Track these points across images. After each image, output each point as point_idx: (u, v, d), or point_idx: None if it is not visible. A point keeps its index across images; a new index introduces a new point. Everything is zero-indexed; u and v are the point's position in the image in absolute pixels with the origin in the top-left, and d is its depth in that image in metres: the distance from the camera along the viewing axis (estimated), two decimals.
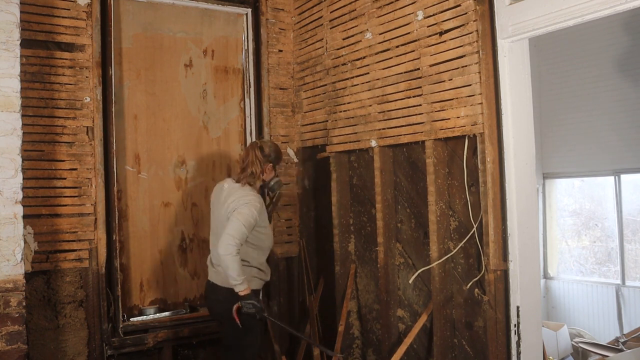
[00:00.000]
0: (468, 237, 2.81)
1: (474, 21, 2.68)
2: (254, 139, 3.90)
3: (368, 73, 3.34)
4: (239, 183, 2.95)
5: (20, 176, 2.52)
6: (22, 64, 2.59)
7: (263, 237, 2.97)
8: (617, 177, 7.03)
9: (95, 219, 3.21)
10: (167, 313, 3.54)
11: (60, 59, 3.15)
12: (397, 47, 3.14)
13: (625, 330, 6.24)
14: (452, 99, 2.81)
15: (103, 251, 3.22)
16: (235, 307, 2.79)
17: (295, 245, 4.00)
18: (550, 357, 5.36)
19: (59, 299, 3.10)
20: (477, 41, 2.67)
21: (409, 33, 3.06)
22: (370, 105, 3.33)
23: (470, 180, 2.82)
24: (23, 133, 2.56)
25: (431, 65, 2.92)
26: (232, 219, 2.78)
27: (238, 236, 2.75)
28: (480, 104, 2.66)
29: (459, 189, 2.89)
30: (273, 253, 3.86)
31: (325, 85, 3.71)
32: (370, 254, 3.47)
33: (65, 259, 3.12)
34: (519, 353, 2.59)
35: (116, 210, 3.36)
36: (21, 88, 2.56)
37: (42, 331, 3.04)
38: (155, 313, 3.50)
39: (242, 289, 2.76)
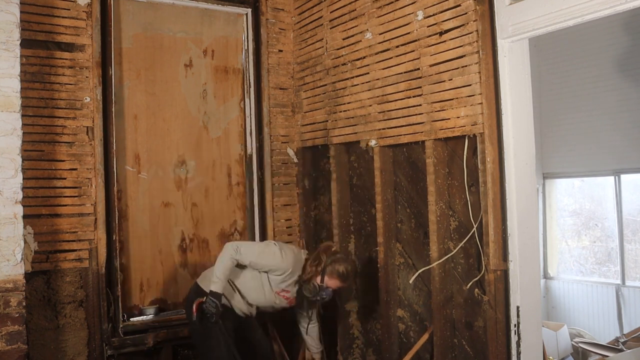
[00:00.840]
0: (468, 237, 2.81)
1: (474, 21, 2.68)
2: (254, 139, 3.90)
3: (368, 73, 3.34)
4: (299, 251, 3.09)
5: (20, 176, 2.53)
6: (22, 64, 2.60)
7: (249, 282, 3.01)
8: (617, 177, 7.03)
9: (95, 219, 3.21)
10: (167, 313, 3.54)
11: (60, 59, 3.15)
12: (397, 47, 3.14)
13: (625, 330, 6.24)
14: (452, 99, 2.81)
15: (103, 251, 3.22)
16: (199, 300, 2.85)
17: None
18: (550, 357, 5.36)
19: (59, 299, 3.10)
20: (477, 41, 2.67)
21: (409, 33, 3.06)
22: (370, 105, 3.33)
23: (470, 180, 2.82)
24: (23, 133, 2.56)
25: (431, 65, 2.92)
26: (256, 242, 3.07)
27: (242, 250, 2.90)
28: (480, 104, 2.66)
29: (459, 189, 2.89)
30: None
31: (325, 85, 3.71)
32: (370, 254, 3.47)
33: (65, 259, 3.12)
34: (519, 353, 2.59)
35: (116, 210, 3.36)
36: (21, 88, 2.56)
37: (42, 331, 3.04)
38: (155, 313, 3.50)
39: (215, 288, 2.82)
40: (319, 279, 2.95)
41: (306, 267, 2.98)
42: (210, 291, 2.83)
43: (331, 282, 2.96)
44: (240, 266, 2.98)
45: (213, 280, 2.85)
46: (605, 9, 2.19)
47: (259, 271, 2.98)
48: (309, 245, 3.97)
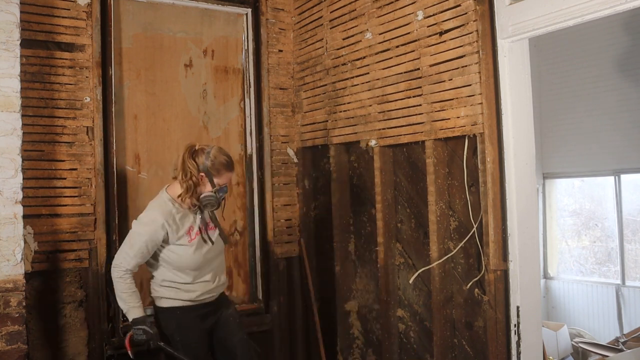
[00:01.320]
0: (468, 237, 2.81)
1: (474, 21, 2.68)
2: (254, 139, 3.90)
3: (368, 73, 3.34)
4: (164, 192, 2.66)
5: (20, 176, 2.53)
6: (22, 64, 2.60)
7: (175, 257, 2.61)
8: (617, 177, 7.03)
9: (95, 219, 3.21)
10: None
11: (60, 59, 3.15)
12: (397, 47, 3.14)
13: (625, 330, 6.24)
14: (452, 99, 2.81)
15: (103, 251, 3.22)
16: (128, 336, 2.60)
17: (295, 245, 4.00)
18: (550, 357, 5.36)
19: (59, 299, 3.10)
20: (477, 41, 2.67)
21: (409, 33, 3.06)
22: (370, 105, 3.33)
23: (470, 180, 2.82)
24: (23, 133, 2.56)
25: (431, 65, 2.92)
26: (130, 233, 2.59)
27: (122, 261, 2.55)
28: (480, 104, 2.67)
29: (459, 189, 2.89)
30: (273, 253, 3.87)
31: (325, 85, 3.71)
32: (370, 254, 3.47)
33: (65, 259, 3.12)
34: (519, 353, 2.59)
35: (116, 210, 3.36)
36: (21, 88, 2.56)
37: (42, 331, 3.04)
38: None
39: (131, 316, 2.55)
40: (208, 186, 2.60)
41: (186, 188, 2.57)
42: (132, 320, 2.56)
43: (223, 179, 2.62)
44: (165, 264, 2.64)
45: (125, 310, 2.57)
46: (605, 9, 2.19)
47: (177, 244, 2.60)
48: (309, 246, 3.98)
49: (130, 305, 2.56)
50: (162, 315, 2.69)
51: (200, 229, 2.66)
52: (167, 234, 2.57)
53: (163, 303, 2.68)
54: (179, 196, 2.61)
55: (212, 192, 2.60)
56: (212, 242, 2.70)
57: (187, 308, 2.67)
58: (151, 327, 2.57)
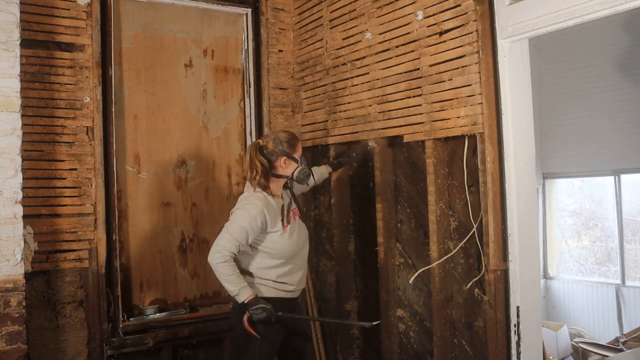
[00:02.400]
0: (468, 237, 2.81)
1: (474, 21, 2.68)
2: (254, 139, 3.90)
3: (368, 73, 3.34)
4: (252, 187, 2.70)
5: (20, 176, 2.53)
6: (22, 64, 2.60)
7: (273, 245, 2.66)
8: (617, 177, 7.03)
9: (95, 219, 3.21)
10: (167, 313, 3.54)
11: (60, 59, 3.15)
12: (397, 47, 3.14)
13: (625, 330, 6.25)
14: (452, 99, 2.81)
15: (103, 251, 3.22)
16: (245, 318, 2.57)
17: None
18: (550, 357, 5.36)
19: (59, 299, 3.10)
20: (477, 41, 2.67)
21: (409, 33, 3.06)
22: (370, 105, 3.33)
23: (470, 180, 2.82)
24: (23, 133, 2.56)
25: (431, 65, 2.92)
26: (228, 223, 2.61)
27: (225, 244, 2.55)
28: (480, 104, 2.67)
29: (459, 189, 2.89)
30: None
31: (325, 85, 3.71)
32: (370, 254, 3.47)
33: (65, 259, 3.12)
34: (519, 353, 2.60)
35: (116, 210, 3.36)
36: (21, 88, 2.56)
37: (42, 331, 3.04)
38: (155, 313, 3.50)
39: (243, 298, 2.55)
40: (293, 164, 2.71)
41: (268, 180, 2.67)
42: (243, 304, 2.56)
43: (299, 151, 2.74)
44: (261, 253, 2.68)
45: (235, 293, 2.56)
46: (605, 9, 2.19)
47: (274, 232, 2.65)
48: (310, 245, 3.96)
49: (239, 287, 2.55)
50: (238, 310, 2.65)
51: (293, 213, 2.77)
52: (266, 220, 2.61)
53: (245, 294, 2.61)
54: (266, 190, 2.67)
55: (300, 166, 2.73)
56: (303, 224, 2.83)
57: (277, 300, 2.67)
58: (265, 302, 2.57)
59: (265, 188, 2.66)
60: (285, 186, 2.83)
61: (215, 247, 2.56)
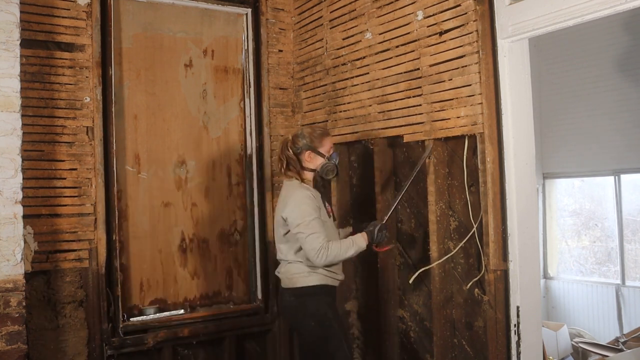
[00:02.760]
0: (468, 237, 2.81)
1: (474, 21, 2.68)
2: (254, 139, 3.90)
3: (368, 73, 3.34)
4: (290, 180, 2.80)
5: (20, 176, 2.52)
6: (22, 64, 2.59)
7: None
8: (617, 177, 7.03)
9: (95, 219, 3.21)
10: (167, 313, 3.54)
11: (60, 59, 3.15)
12: (397, 47, 3.14)
13: (625, 330, 6.24)
14: (452, 99, 2.81)
15: (103, 251, 3.22)
16: (373, 247, 2.75)
17: None
18: (550, 357, 5.36)
19: (59, 299, 3.10)
20: (477, 41, 2.67)
21: (409, 33, 3.06)
22: (370, 105, 3.33)
23: (470, 180, 2.82)
24: (23, 133, 2.56)
25: (431, 65, 2.92)
26: (294, 222, 2.64)
27: (314, 245, 2.58)
28: (480, 104, 2.67)
29: (459, 189, 2.89)
30: (273, 253, 3.86)
31: (325, 85, 3.71)
32: (371, 254, 3.47)
33: (65, 259, 3.12)
34: (519, 353, 2.60)
35: (116, 210, 3.36)
36: (21, 88, 2.56)
37: (42, 331, 3.04)
38: (155, 313, 3.50)
39: (363, 242, 2.68)
40: (319, 159, 2.80)
41: (303, 173, 2.79)
42: (369, 239, 2.70)
43: (327, 146, 2.81)
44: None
45: (355, 249, 2.65)
46: (605, 9, 2.19)
47: (323, 219, 2.72)
48: None
49: (352, 244, 2.66)
50: (309, 297, 2.71)
51: (327, 207, 2.85)
52: (321, 206, 2.72)
53: (311, 281, 2.70)
54: (303, 181, 2.78)
55: (325, 161, 2.78)
56: (334, 218, 2.95)
57: (332, 288, 2.78)
58: (373, 225, 2.72)
59: (302, 180, 2.78)
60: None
61: (311, 252, 2.60)
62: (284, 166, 2.80)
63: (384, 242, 2.76)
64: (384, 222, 2.77)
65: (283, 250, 2.79)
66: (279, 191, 3.88)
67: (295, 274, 2.74)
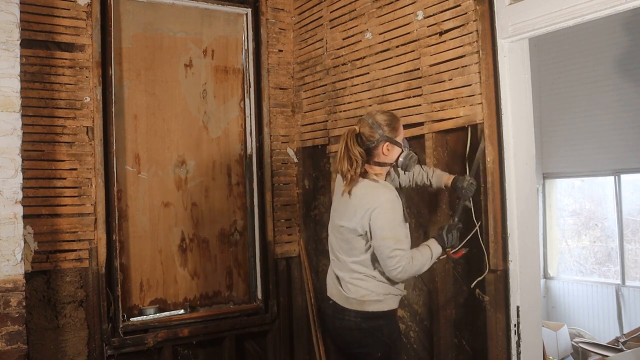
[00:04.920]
0: (469, 237, 2.80)
1: (474, 21, 2.68)
2: (254, 139, 3.90)
3: (368, 73, 3.34)
4: (363, 179, 2.34)
5: (20, 176, 2.52)
6: (22, 64, 2.59)
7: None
8: (617, 177, 7.03)
9: (95, 219, 3.21)
10: (167, 313, 3.54)
11: (60, 59, 3.15)
12: (397, 47, 3.14)
13: (625, 330, 6.24)
14: (452, 99, 2.81)
15: (103, 251, 3.22)
16: (449, 254, 2.43)
17: (295, 245, 4.00)
18: (550, 357, 5.36)
19: (59, 299, 3.10)
20: (477, 41, 2.67)
21: (409, 33, 3.06)
22: (370, 105, 3.33)
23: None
24: (23, 133, 2.56)
25: (431, 65, 2.92)
26: (380, 232, 2.24)
27: (397, 245, 2.22)
28: (480, 103, 2.66)
29: None
30: (273, 253, 3.87)
31: (325, 85, 3.71)
32: None
33: (65, 259, 3.12)
34: (519, 353, 2.59)
35: (116, 210, 3.36)
36: (21, 88, 2.56)
37: (42, 331, 3.04)
38: (155, 313, 3.50)
39: (438, 251, 2.35)
40: (396, 149, 2.35)
41: (373, 164, 2.35)
42: (444, 244, 2.37)
43: (401, 133, 2.38)
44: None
45: (433, 255, 2.33)
46: (605, 9, 2.19)
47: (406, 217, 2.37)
48: (309, 246, 3.97)
49: (430, 253, 2.32)
50: (383, 321, 2.36)
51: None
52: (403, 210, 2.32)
53: (385, 306, 2.35)
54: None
55: (405, 150, 2.37)
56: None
57: (396, 311, 2.44)
58: (441, 228, 2.40)
59: (372, 177, 2.34)
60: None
61: (395, 270, 2.24)
62: (353, 166, 2.29)
63: (457, 245, 2.40)
64: (453, 222, 2.46)
65: (349, 264, 2.36)
66: (279, 191, 3.95)
67: (365, 295, 2.34)
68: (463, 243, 2.44)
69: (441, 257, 2.44)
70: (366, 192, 2.30)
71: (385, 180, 2.41)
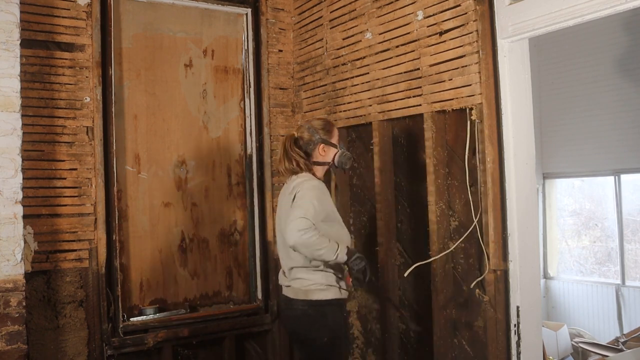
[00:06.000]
0: (466, 234, 2.80)
1: (474, 21, 2.68)
2: (254, 139, 3.90)
3: (368, 73, 3.34)
4: (298, 176, 2.55)
5: (20, 176, 2.53)
6: (22, 64, 2.60)
7: (336, 235, 2.49)
8: (617, 177, 7.03)
9: (95, 219, 3.21)
10: (167, 313, 3.54)
11: (60, 59, 3.15)
12: (397, 47, 3.14)
13: (625, 330, 6.24)
14: (452, 99, 2.81)
15: (103, 251, 3.22)
16: (347, 275, 2.54)
17: None
18: (550, 357, 5.36)
19: (59, 299, 3.10)
20: (477, 41, 2.67)
21: (409, 33, 3.06)
22: (370, 105, 3.33)
23: (470, 180, 2.82)
24: (23, 133, 2.56)
25: (431, 65, 2.92)
26: (294, 205, 2.40)
27: (305, 214, 2.34)
28: (480, 103, 2.67)
29: (459, 189, 2.89)
30: (273, 253, 3.87)
31: (325, 85, 3.71)
32: (370, 254, 3.47)
33: (65, 259, 3.12)
34: (519, 353, 2.60)
35: (116, 210, 3.36)
36: (21, 88, 2.56)
37: (42, 331, 3.04)
38: (155, 313, 3.50)
39: (343, 255, 2.39)
40: (332, 150, 2.60)
41: (312, 164, 2.57)
42: (348, 253, 2.41)
43: (336, 136, 2.63)
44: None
45: (334, 259, 2.39)
46: (605, 9, 2.19)
47: (323, 220, 2.47)
48: None
49: (334, 249, 2.37)
50: (328, 309, 2.50)
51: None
52: (329, 202, 2.52)
53: (329, 294, 2.49)
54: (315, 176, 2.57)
55: (340, 150, 2.62)
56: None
57: (344, 301, 2.61)
58: (360, 253, 2.49)
59: (314, 174, 2.57)
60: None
61: (292, 227, 2.34)
62: (292, 165, 2.54)
63: (354, 270, 2.44)
64: (362, 262, 2.47)
65: (293, 257, 2.51)
66: (279, 191, 3.93)
67: (310, 286, 2.49)
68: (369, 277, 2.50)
69: (340, 273, 2.55)
70: (297, 182, 2.51)
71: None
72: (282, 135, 3.98)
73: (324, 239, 2.36)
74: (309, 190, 2.43)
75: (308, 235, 2.32)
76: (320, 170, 2.63)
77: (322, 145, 2.58)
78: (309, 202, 2.39)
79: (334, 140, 2.62)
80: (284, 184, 2.67)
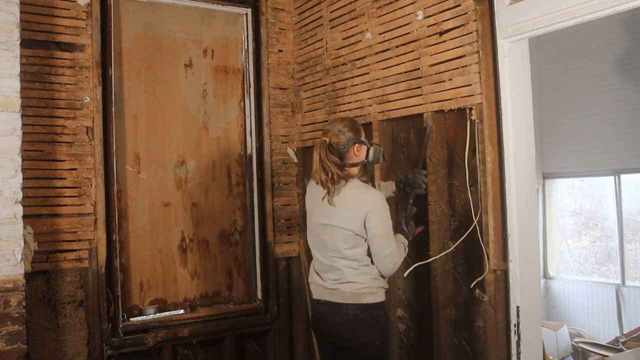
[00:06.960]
0: (466, 234, 2.80)
1: (474, 21, 2.68)
2: (254, 139, 3.90)
3: (368, 73, 3.34)
4: (347, 182, 2.53)
5: (20, 176, 2.52)
6: (22, 64, 2.59)
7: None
8: (617, 177, 7.03)
9: (95, 219, 3.21)
10: (167, 313, 3.54)
11: (60, 59, 3.15)
12: (397, 47, 3.14)
13: (625, 330, 6.25)
14: (452, 99, 2.81)
15: (103, 251, 3.22)
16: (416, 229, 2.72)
17: (295, 245, 4.00)
18: (550, 357, 5.37)
19: (59, 299, 3.10)
20: (477, 41, 2.67)
21: (409, 33, 3.06)
22: (370, 106, 3.33)
23: (470, 180, 2.82)
24: (23, 133, 2.56)
25: (431, 65, 2.92)
26: (379, 232, 2.45)
27: (391, 243, 2.47)
28: (480, 103, 2.67)
29: (459, 189, 2.89)
30: (273, 253, 3.87)
31: (325, 85, 3.71)
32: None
33: (65, 259, 3.12)
34: (519, 353, 2.59)
35: (116, 210, 3.36)
36: (21, 88, 2.55)
37: (42, 331, 3.04)
38: (155, 313, 3.50)
39: (405, 241, 2.61)
40: (364, 148, 2.58)
41: (348, 166, 2.54)
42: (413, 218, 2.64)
43: (362, 134, 2.60)
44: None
45: (403, 249, 2.56)
46: (605, 9, 2.19)
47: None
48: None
49: (403, 246, 2.59)
50: (379, 312, 2.54)
51: None
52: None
53: (378, 297, 2.54)
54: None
55: (371, 146, 2.62)
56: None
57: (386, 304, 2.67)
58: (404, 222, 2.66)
59: (361, 179, 2.58)
60: None
61: (389, 265, 2.48)
62: (328, 177, 2.49)
63: (414, 230, 2.69)
64: (407, 213, 2.68)
65: (339, 261, 2.51)
66: (279, 191, 3.95)
67: (361, 289, 2.49)
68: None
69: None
70: (356, 193, 2.50)
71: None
72: (282, 135, 3.98)
73: (398, 248, 2.51)
74: (384, 211, 2.48)
75: (395, 259, 2.48)
76: (356, 170, 2.59)
77: (355, 145, 2.54)
78: (389, 225, 2.48)
79: (363, 137, 2.59)
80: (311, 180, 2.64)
